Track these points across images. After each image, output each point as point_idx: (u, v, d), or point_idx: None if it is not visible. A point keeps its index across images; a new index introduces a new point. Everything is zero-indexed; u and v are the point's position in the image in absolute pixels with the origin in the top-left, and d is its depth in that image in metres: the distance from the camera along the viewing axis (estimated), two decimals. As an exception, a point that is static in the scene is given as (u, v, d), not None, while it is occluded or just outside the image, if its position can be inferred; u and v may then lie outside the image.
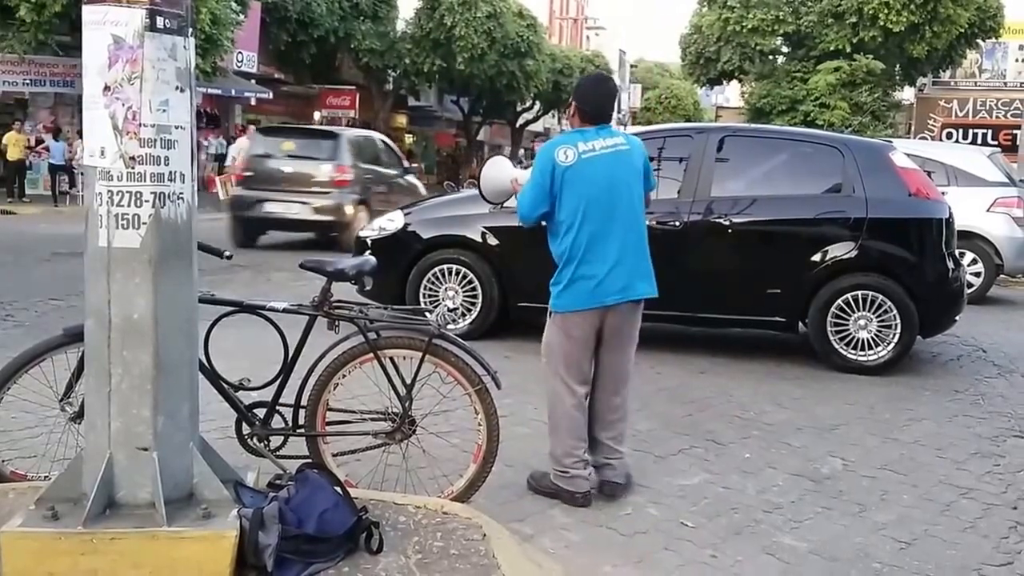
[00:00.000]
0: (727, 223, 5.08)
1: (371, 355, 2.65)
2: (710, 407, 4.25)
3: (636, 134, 6.29)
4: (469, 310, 5.39)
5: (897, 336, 4.97)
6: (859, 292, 5.00)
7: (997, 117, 26.68)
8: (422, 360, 2.63)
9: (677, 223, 5.07)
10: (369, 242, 5.69)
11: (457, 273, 5.44)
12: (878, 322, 5.01)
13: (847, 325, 5.04)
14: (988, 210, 8.03)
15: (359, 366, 2.68)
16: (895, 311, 4.96)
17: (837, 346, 5.05)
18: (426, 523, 2.35)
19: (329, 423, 2.74)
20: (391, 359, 2.67)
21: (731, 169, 5.30)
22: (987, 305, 8.03)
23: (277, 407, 2.70)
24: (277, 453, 2.69)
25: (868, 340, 5.02)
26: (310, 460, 2.59)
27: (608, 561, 2.54)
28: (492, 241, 5.37)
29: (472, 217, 5.41)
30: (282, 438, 2.72)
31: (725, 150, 5.31)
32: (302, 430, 2.70)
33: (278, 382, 2.69)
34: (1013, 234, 8.05)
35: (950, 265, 5.13)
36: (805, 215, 5.14)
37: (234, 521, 2.04)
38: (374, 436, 2.71)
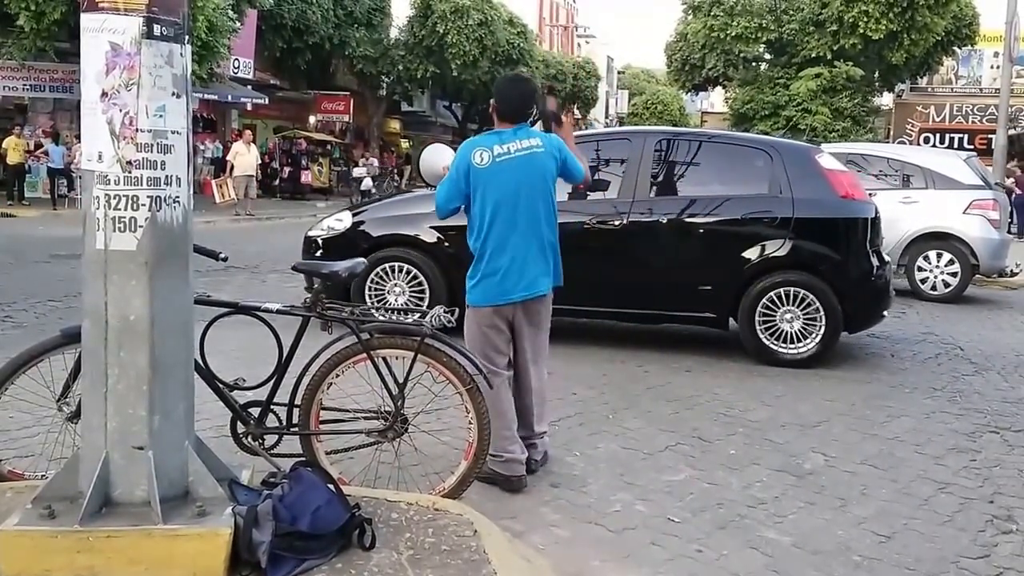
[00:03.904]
0: (663, 222, 5.24)
1: (364, 355, 2.69)
2: (696, 405, 4.32)
3: (576, 137, 6.40)
4: (418, 306, 5.47)
5: (822, 330, 5.15)
6: (786, 288, 5.18)
7: (973, 122, 27.17)
8: (414, 360, 2.67)
9: (616, 222, 5.24)
10: (320, 241, 5.76)
11: (404, 271, 5.53)
12: (804, 317, 5.18)
13: (775, 320, 5.21)
14: (964, 212, 8.20)
15: (352, 366, 2.72)
16: (820, 306, 5.13)
17: (765, 340, 5.22)
18: (418, 519, 2.39)
19: (323, 422, 2.77)
20: (384, 359, 2.71)
21: (666, 171, 5.51)
22: (964, 304, 8.19)
23: (271, 406, 2.74)
24: (271, 451, 2.72)
25: (795, 334, 5.19)
26: (304, 458, 2.62)
27: (596, 556, 2.59)
28: (440, 239, 5.46)
29: (420, 216, 5.50)
30: (276, 437, 2.76)
31: (661, 152, 5.51)
32: (296, 429, 2.73)
33: (272, 382, 2.72)
34: (988, 235, 8.22)
35: (875, 263, 5.32)
36: (735, 215, 5.30)
37: (228, 518, 2.07)
38: (367, 434, 2.75)
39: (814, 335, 5.16)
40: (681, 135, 5.91)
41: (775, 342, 5.21)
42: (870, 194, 5.92)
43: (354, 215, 5.87)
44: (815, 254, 5.22)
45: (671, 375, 4.90)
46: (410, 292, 5.52)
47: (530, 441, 3.16)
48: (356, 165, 22.25)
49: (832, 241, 5.29)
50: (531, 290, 3.03)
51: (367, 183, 20.89)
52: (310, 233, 5.90)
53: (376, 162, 23.47)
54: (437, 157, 3.40)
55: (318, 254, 5.67)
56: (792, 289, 5.17)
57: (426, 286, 5.48)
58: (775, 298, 5.19)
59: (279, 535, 2.09)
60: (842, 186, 5.31)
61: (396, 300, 5.47)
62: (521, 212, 2.97)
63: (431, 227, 5.45)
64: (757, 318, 5.20)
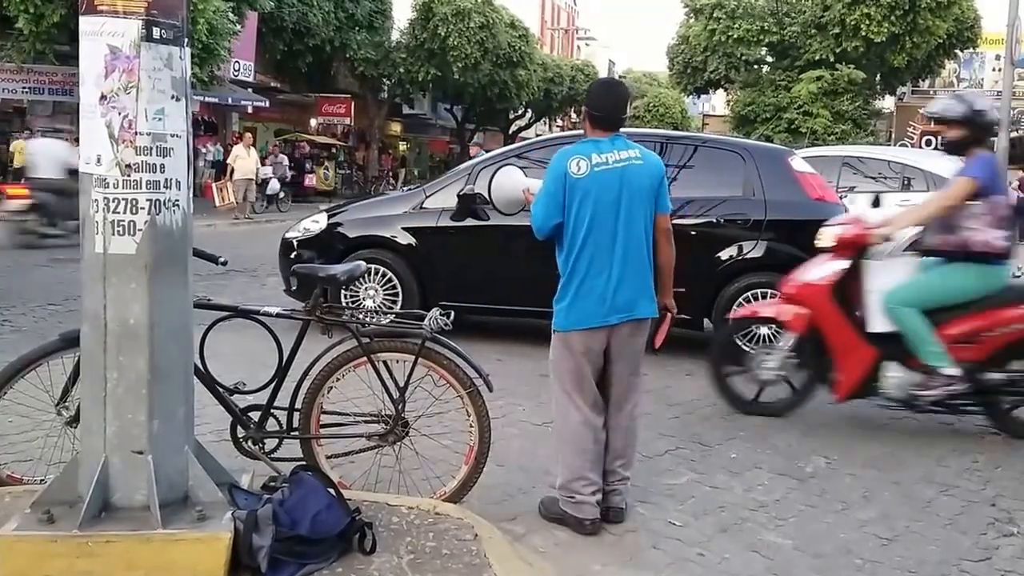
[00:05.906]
0: None
1: (364, 359, 2.68)
2: (696, 408, 4.31)
3: (550, 139, 6.35)
4: (391, 308, 5.44)
5: None
6: (760, 290, 5.18)
7: (975, 124, 27.09)
8: (415, 363, 2.66)
9: None
10: (295, 243, 5.79)
11: (379, 272, 5.51)
12: None
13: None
14: (966, 215, 8.18)
15: (353, 369, 2.72)
16: None
17: (739, 342, 5.16)
18: (418, 523, 2.39)
19: (323, 426, 2.76)
20: (384, 362, 2.71)
21: None
22: (967, 308, 8.17)
23: (272, 410, 2.73)
24: (272, 456, 2.72)
25: (768, 336, 5.15)
26: (304, 462, 2.62)
27: (598, 560, 2.58)
28: (413, 242, 5.48)
29: (393, 218, 5.56)
30: (276, 441, 2.75)
31: None
32: (296, 433, 2.73)
33: (273, 385, 2.72)
34: (990, 238, 8.19)
35: None
36: (709, 217, 5.29)
37: (228, 523, 2.07)
38: (367, 438, 2.74)
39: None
40: (653, 136, 5.83)
41: (749, 344, 5.17)
42: (840, 195, 5.91)
43: (330, 216, 5.88)
44: (788, 255, 5.17)
45: (671, 379, 4.89)
46: (384, 294, 5.51)
47: (612, 487, 2.84)
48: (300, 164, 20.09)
49: (804, 242, 5.28)
50: (629, 313, 2.75)
51: (273, 186, 17.67)
52: (287, 235, 5.93)
53: (286, 160, 20.13)
54: (512, 181, 3.09)
55: (293, 255, 5.69)
56: (767, 291, 5.16)
57: (399, 288, 5.48)
58: (748, 300, 5.18)
59: (279, 539, 2.09)
60: (813, 188, 5.34)
61: (372, 302, 5.46)
62: (620, 227, 2.71)
63: (403, 228, 5.50)
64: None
